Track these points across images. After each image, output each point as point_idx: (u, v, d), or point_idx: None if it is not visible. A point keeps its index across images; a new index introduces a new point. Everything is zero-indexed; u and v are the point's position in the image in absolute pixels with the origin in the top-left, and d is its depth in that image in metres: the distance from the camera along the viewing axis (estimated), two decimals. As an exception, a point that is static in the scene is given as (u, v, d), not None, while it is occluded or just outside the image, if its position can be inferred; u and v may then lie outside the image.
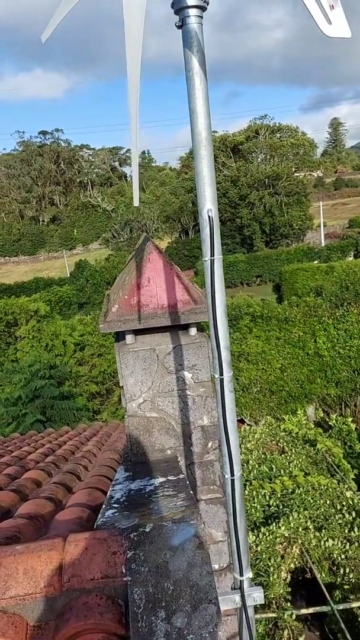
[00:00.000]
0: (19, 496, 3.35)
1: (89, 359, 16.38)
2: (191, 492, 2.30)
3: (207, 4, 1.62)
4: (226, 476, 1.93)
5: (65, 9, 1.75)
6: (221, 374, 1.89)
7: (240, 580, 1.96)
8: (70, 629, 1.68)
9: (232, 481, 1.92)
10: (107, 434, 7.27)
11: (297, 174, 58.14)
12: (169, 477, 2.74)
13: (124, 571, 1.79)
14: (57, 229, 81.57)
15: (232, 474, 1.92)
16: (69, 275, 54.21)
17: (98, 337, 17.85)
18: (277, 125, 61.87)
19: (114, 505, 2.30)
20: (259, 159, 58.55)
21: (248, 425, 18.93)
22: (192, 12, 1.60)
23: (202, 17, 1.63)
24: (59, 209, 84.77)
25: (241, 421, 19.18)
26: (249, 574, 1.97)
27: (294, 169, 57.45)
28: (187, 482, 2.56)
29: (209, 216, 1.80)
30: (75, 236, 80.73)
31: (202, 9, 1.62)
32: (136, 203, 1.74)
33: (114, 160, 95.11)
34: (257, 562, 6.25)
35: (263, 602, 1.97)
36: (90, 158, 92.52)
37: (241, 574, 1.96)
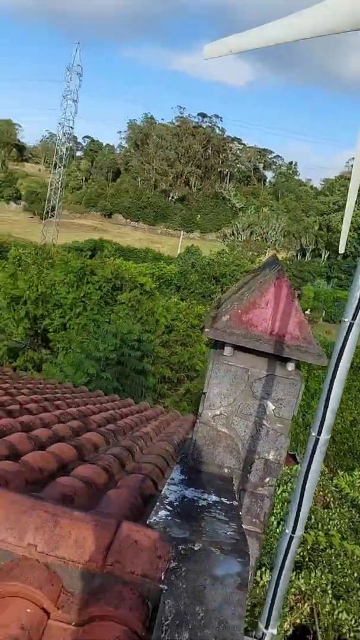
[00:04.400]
0: (77, 454, 3.50)
1: (173, 344, 16.64)
2: (242, 526, 2.30)
3: None
4: (287, 530, 1.92)
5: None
6: (319, 434, 1.87)
7: (263, 633, 1.96)
8: (98, 609, 1.76)
9: (291, 538, 1.91)
10: (167, 422, 7.37)
11: None
12: (222, 499, 2.75)
13: (162, 578, 1.84)
14: (182, 208, 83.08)
15: (294, 532, 1.90)
16: (177, 256, 55.09)
17: (185, 325, 18.08)
18: None
19: (167, 507, 2.36)
20: None
21: (298, 463, 18.43)
22: None
23: None
24: (191, 191, 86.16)
25: (293, 457, 18.68)
26: (274, 630, 1.96)
27: None
28: (240, 513, 2.56)
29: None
30: (197, 221, 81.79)
31: None
32: (342, 250, 1.82)
33: (260, 162, 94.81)
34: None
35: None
36: (238, 152, 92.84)
37: (266, 627, 1.95)
